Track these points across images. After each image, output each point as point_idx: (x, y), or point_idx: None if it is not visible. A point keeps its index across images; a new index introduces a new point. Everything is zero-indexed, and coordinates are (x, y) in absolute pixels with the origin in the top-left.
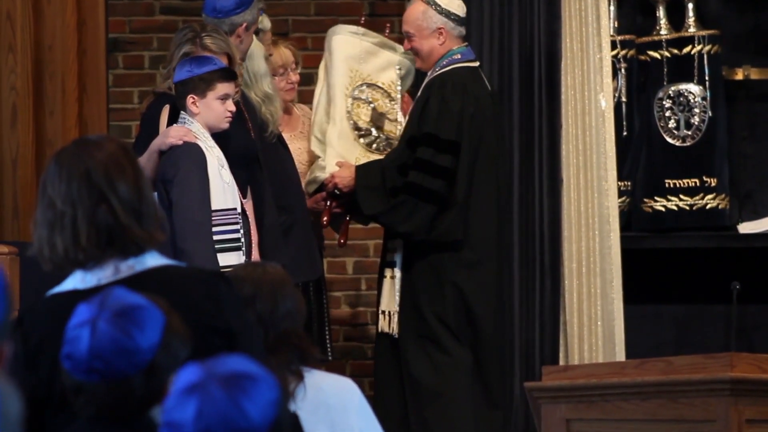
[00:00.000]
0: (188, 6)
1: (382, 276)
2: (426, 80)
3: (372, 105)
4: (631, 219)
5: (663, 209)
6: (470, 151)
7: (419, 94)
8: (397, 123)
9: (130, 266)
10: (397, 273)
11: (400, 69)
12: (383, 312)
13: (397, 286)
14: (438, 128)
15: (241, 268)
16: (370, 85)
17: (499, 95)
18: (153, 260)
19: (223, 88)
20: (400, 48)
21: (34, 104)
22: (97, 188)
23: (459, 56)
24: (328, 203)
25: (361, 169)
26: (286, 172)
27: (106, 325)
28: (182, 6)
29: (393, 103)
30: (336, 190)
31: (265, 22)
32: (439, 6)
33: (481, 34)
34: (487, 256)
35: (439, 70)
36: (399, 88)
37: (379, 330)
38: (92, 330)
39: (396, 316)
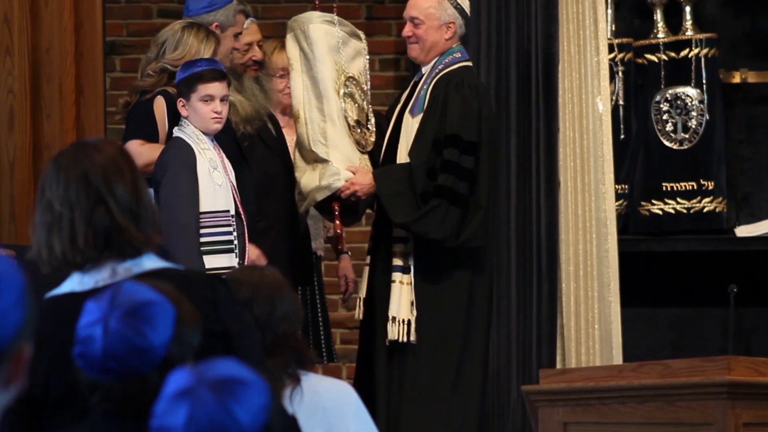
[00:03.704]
0: None
1: (388, 281)
2: (429, 78)
3: (356, 100)
4: (628, 222)
5: (660, 212)
6: (488, 152)
7: (428, 92)
8: (369, 119)
9: (128, 269)
10: (410, 278)
11: (367, 57)
12: (394, 319)
13: (413, 293)
14: (461, 129)
15: (238, 270)
16: (350, 78)
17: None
18: (150, 263)
19: (204, 89)
20: (362, 35)
21: (31, 107)
22: (94, 190)
23: (459, 55)
24: (337, 213)
25: (382, 175)
26: (268, 175)
27: (117, 324)
28: (179, 9)
29: (365, 95)
30: (352, 198)
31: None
32: (455, 0)
33: (478, 37)
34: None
35: (444, 68)
36: (367, 77)
37: (389, 337)
38: (104, 330)
39: (413, 323)
